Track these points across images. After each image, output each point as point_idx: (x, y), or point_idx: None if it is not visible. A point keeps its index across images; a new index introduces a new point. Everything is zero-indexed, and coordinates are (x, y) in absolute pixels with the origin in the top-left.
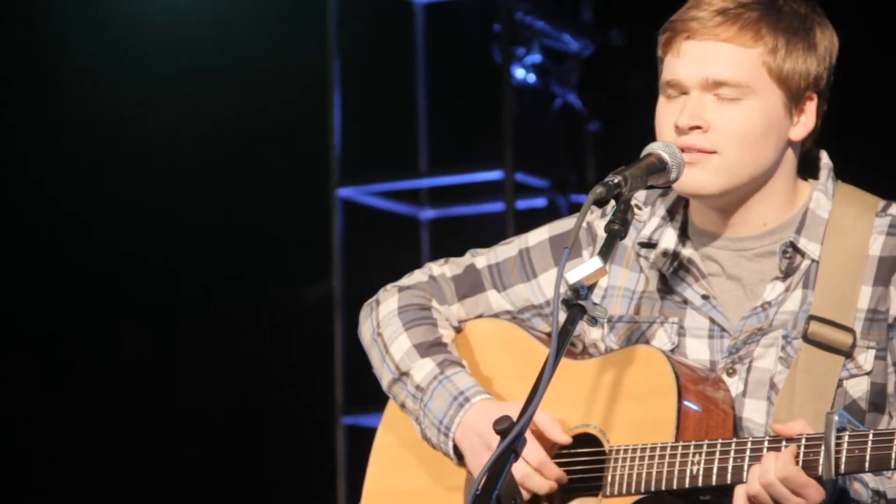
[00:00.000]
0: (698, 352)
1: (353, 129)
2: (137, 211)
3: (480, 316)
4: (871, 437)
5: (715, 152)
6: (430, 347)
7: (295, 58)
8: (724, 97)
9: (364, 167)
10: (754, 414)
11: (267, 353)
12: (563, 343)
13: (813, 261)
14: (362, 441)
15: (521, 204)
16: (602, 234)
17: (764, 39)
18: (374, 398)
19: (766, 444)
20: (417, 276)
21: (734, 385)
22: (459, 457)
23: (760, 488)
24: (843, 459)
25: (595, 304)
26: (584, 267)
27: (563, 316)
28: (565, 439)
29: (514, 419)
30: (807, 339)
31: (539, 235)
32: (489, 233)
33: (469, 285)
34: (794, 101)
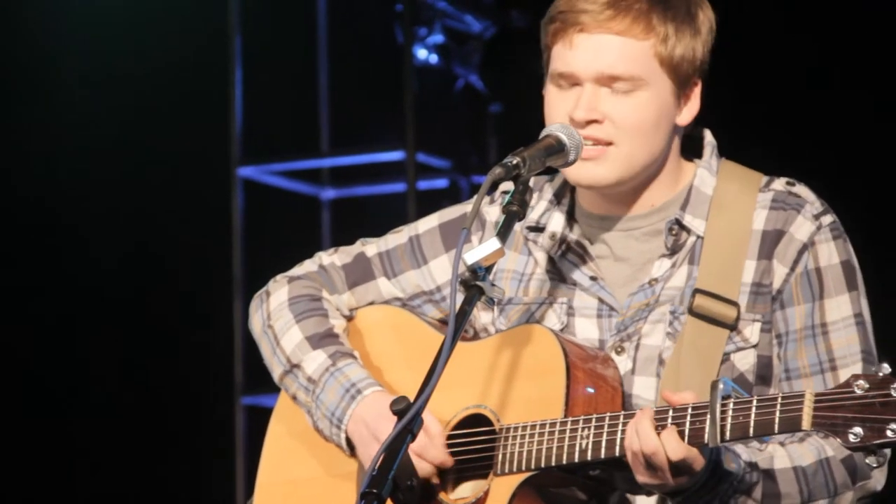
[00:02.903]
0: (587, 331)
1: (254, 108)
2: (39, 188)
3: (371, 303)
4: (754, 403)
5: (611, 143)
6: (322, 339)
7: (195, 34)
8: (618, 90)
9: (265, 146)
10: (643, 391)
11: (166, 333)
12: (461, 324)
13: (698, 237)
14: (262, 421)
15: (423, 184)
16: (491, 220)
17: (655, 30)
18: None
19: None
20: (307, 266)
21: (623, 363)
22: (352, 448)
23: (639, 448)
24: (729, 426)
25: (493, 284)
26: (482, 248)
27: (460, 297)
28: (445, 457)
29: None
30: (692, 312)
31: (429, 223)
32: (390, 213)
33: (359, 273)
34: (683, 87)
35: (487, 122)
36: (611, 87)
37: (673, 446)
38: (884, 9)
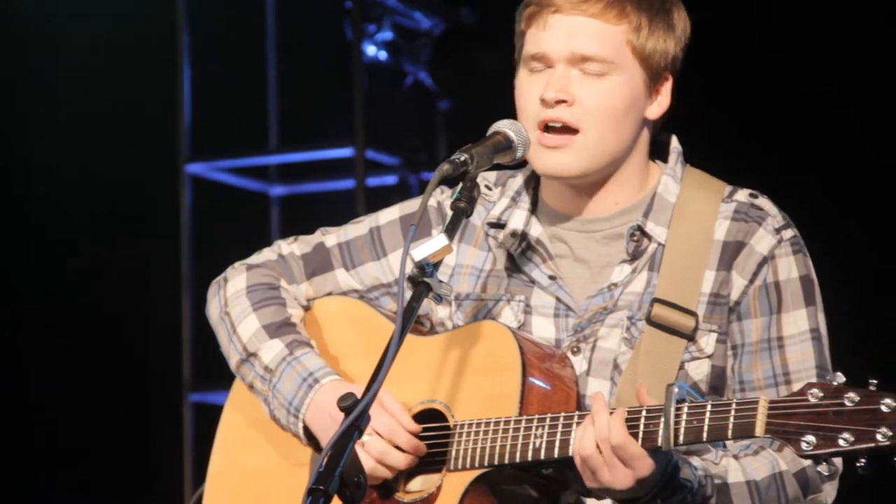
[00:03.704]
0: (544, 329)
1: (203, 105)
2: None
3: (329, 294)
4: (709, 407)
5: (578, 130)
6: (279, 328)
7: (143, 30)
8: (589, 72)
9: (213, 143)
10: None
11: (114, 330)
12: (409, 320)
13: (659, 244)
14: (210, 417)
15: (372, 181)
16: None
17: (628, 17)
18: (221, 375)
19: None
20: (266, 255)
21: (578, 363)
22: (309, 437)
23: (595, 450)
24: (682, 430)
25: (440, 281)
26: (430, 244)
27: (409, 293)
28: (414, 427)
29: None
30: (650, 321)
31: (390, 214)
32: (339, 210)
33: (318, 264)
34: (654, 80)
35: (437, 118)
36: (582, 69)
37: (620, 435)
38: (858, 17)
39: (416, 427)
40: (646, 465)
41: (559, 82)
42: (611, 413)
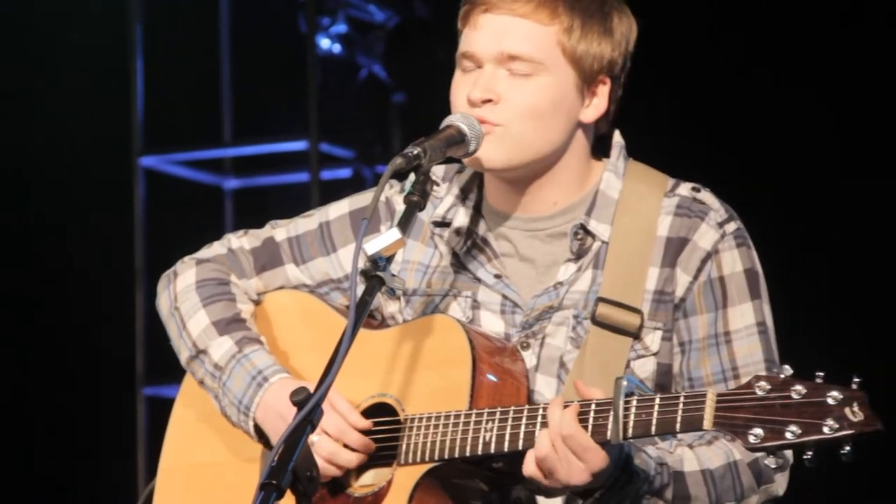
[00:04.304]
0: (493, 324)
1: (156, 98)
2: None
3: (280, 288)
4: (657, 401)
5: (501, 125)
6: (229, 324)
7: (96, 22)
8: (516, 72)
9: (167, 136)
10: (545, 389)
11: (68, 323)
12: (362, 314)
13: (603, 242)
14: (163, 411)
15: (326, 174)
16: (400, 209)
17: (560, 18)
18: (175, 369)
19: None
20: (216, 249)
21: (527, 358)
22: (260, 435)
23: (550, 448)
24: (631, 423)
25: (393, 275)
26: (383, 238)
27: (361, 287)
28: (363, 424)
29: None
30: (595, 321)
31: (339, 209)
32: (294, 203)
33: (267, 258)
34: (587, 82)
35: (391, 111)
36: (510, 68)
37: (571, 426)
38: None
39: (365, 424)
40: (600, 458)
41: (486, 82)
42: (564, 407)
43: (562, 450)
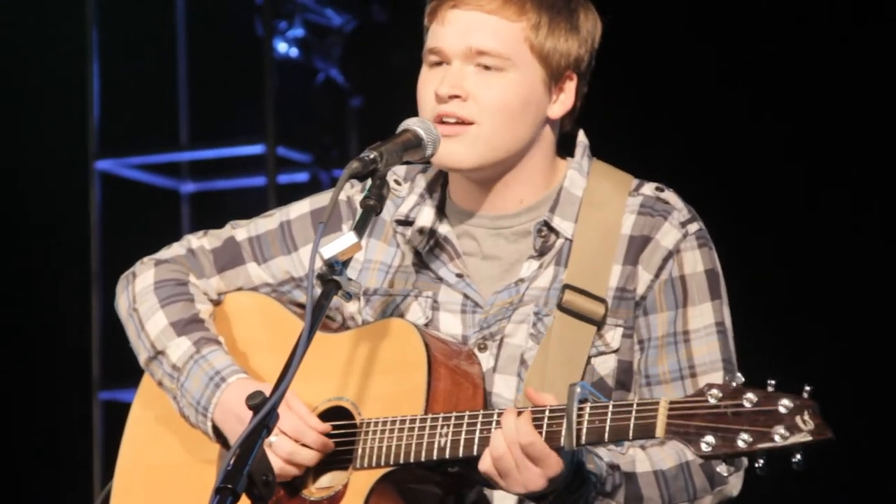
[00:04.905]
0: (451, 326)
1: (113, 100)
2: None
3: (240, 289)
4: (611, 408)
5: (473, 123)
6: (187, 325)
7: (51, 25)
8: (484, 68)
9: (123, 139)
10: (504, 389)
11: (22, 327)
12: (317, 318)
13: (567, 239)
14: (120, 415)
15: (283, 178)
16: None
17: (528, 15)
18: (131, 373)
19: None
20: (175, 249)
21: (485, 360)
22: (219, 435)
23: (506, 451)
24: (584, 430)
25: (350, 279)
26: (339, 242)
27: (318, 291)
28: (322, 427)
29: (267, 395)
30: (561, 307)
31: (300, 209)
32: (251, 207)
33: (228, 258)
34: (554, 78)
35: (348, 115)
36: (478, 64)
37: (529, 434)
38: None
39: (324, 427)
40: (555, 463)
41: (453, 78)
42: (518, 414)
43: (520, 457)
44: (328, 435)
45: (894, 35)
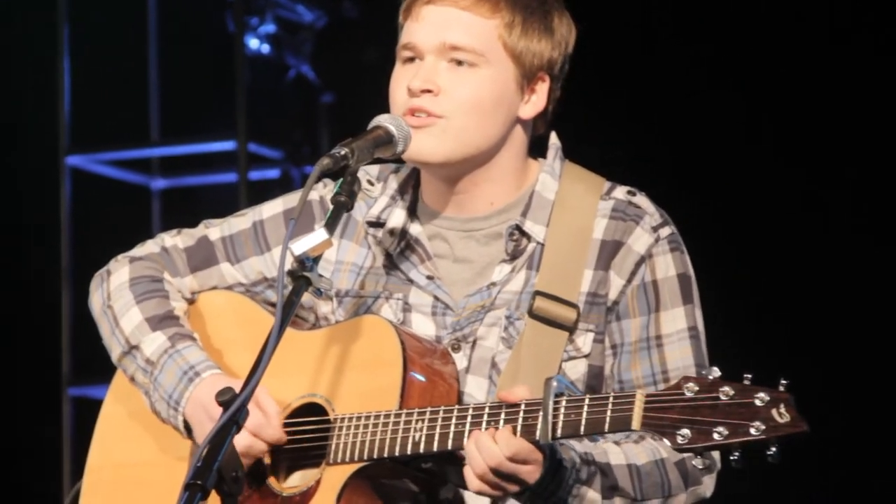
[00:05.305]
0: (423, 327)
1: (84, 96)
2: None
3: (214, 288)
4: (587, 401)
5: (443, 117)
6: (162, 321)
7: (23, 21)
8: (457, 64)
9: (94, 135)
10: (476, 391)
11: None
12: (288, 314)
13: (538, 243)
14: (89, 412)
15: (254, 175)
16: None
17: (501, 13)
18: (101, 369)
19: (487, 410)
20: (150, 247)
21: (458, 360)
22: (189, 431)
23: (488, 469)
24: (560, 424)
25: (320, 275)
26: (310, 238)
27: (289, 288)
28: (280, 435)
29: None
30: (532, 314)
31: (273, 208)
32: (222, 203)
33: (202, 257)
34: (527, 78)
35: (319, 112)
36: (451, 60)
37: (512, 445)
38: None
39: (281, 434)
40: (540, 456)
41: (426, 73)
42: (495, 432)
43: (510, 467)
44: (301, 432)
45: (861, 40)
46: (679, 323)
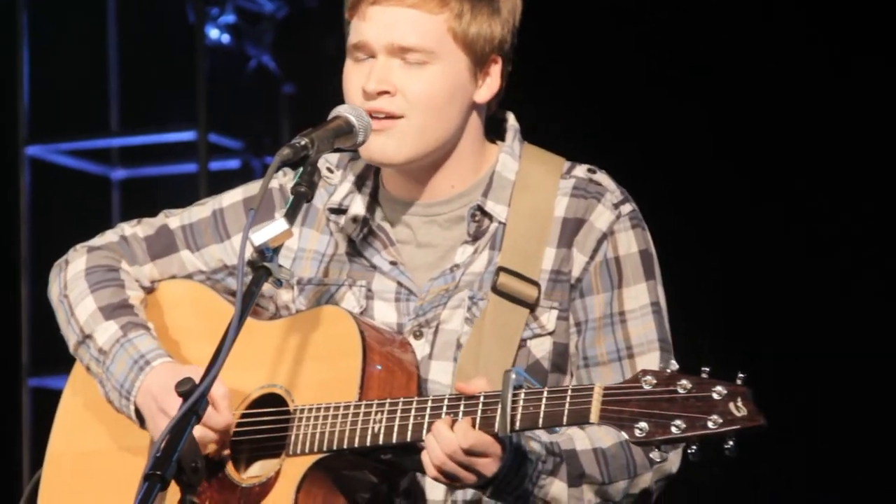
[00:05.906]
0: (386, 314)
1: (42, 85)
2: None
3: (174, 277)
4: (545, 394)
5: (402, 117)
6: (115, 310)
7: None
8: (410, 62)
9: (53, 125)
10: (440, 375)
11: None
12: (248, 305)
13: (500, 223)
14: (49, 403)
15: (215, 165)
16: None
17: (449, 5)
18: (61, 360)
19: (445, 402)
20: (108, 237)
21: (421, 347)
22: (142, 420)
23: (446, 458)
24: (519, 416)
25: (280, 265)
26: (270, 228)
27: (249, 278)
28: (228, 419)
29: (197, 381)
30: (495, 289)
31: (233, 196)
32: (182, 194)
33: (161, 246)
34: (480, 64)
35: (280, 102)
36: (403, 59)
37: (469, 437)
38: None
39: (229, 418)
40: (499, 449)
41: (380, 73)
42: (453, 421)
43: (465, 459)
44: (260, 422)
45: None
46: (642, 299)
